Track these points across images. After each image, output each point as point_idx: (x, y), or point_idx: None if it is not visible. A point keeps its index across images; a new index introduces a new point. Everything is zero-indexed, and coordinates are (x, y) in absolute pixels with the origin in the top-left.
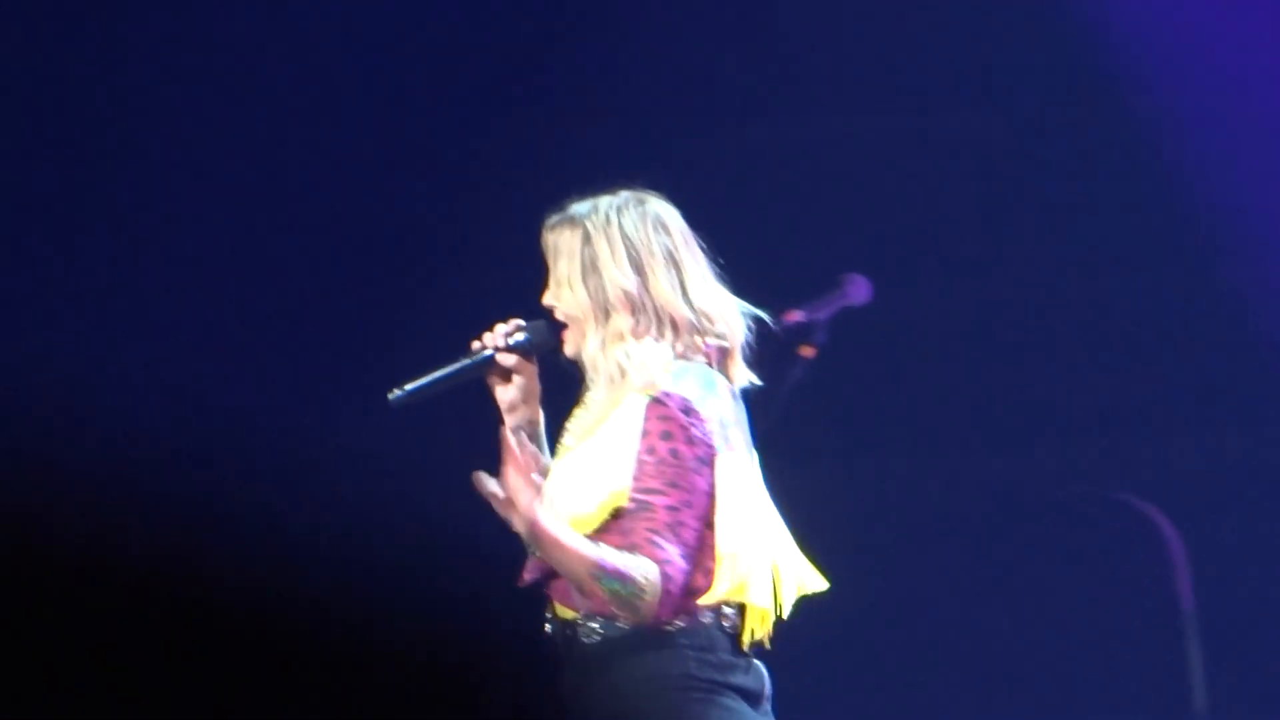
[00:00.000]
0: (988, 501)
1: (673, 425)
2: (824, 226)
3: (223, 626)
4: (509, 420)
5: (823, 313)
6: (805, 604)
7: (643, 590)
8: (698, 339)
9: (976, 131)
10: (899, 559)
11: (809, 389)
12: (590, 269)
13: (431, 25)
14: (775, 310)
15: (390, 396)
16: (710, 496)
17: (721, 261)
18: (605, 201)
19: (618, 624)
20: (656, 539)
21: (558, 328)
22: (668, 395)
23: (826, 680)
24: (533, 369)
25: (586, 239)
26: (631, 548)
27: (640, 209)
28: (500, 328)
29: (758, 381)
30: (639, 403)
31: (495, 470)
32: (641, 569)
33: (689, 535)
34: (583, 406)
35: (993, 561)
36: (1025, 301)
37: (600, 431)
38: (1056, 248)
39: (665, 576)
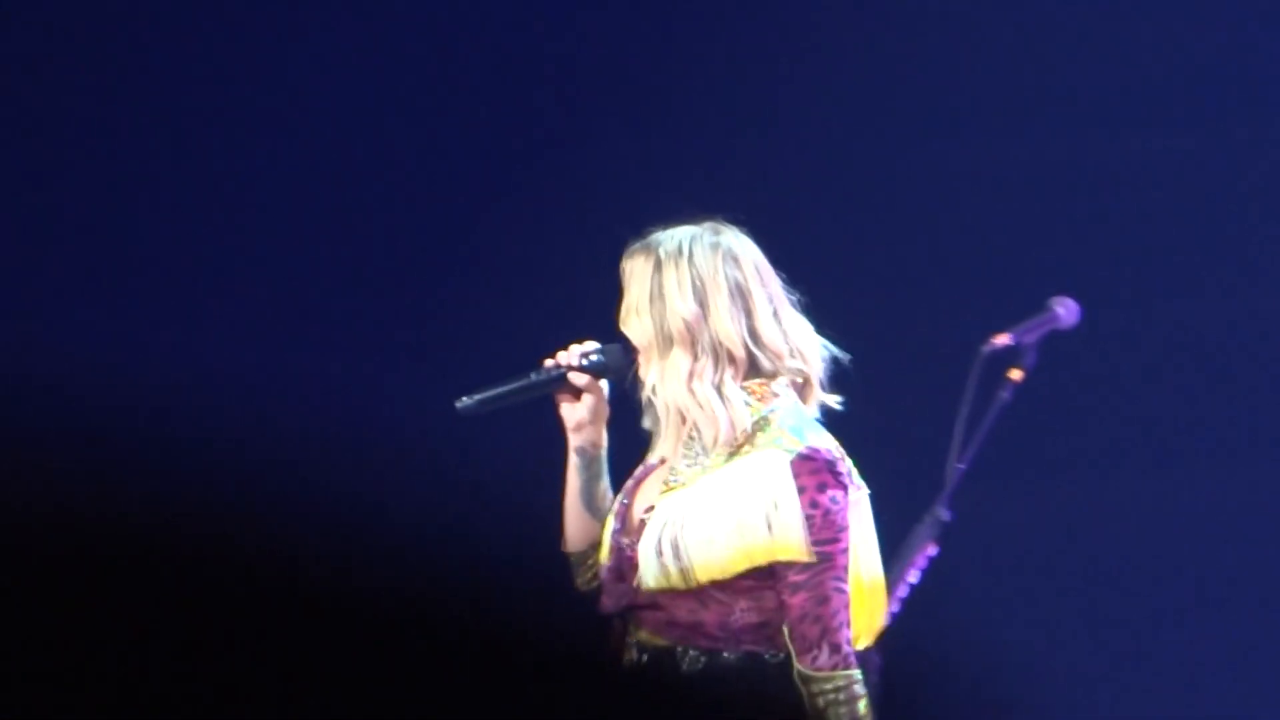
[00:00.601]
0: (1194, 520)
1: (827, 475)
2: (1033, 248)
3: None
4: (573, 440)
5: (1030, 336)
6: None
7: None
8: (770, 373)
9: (1181, 150)
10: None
11: (1015, 412)
12: (656, 297)
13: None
14: (983, 333)
15: (459, 404)
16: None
17: (805, 298)
18: (681, 231)
19: (724, 652)
20: (841, 586)
21: (632, 352)
22: (814, 451)
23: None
24: (603, 391)
25: (658, 267)
26: (822, 600)
27: (714, 239)
28: (575, 347)
29: (839, 406)
30: (780, 460)
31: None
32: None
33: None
34: (658, 440)
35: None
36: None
37: (726, 479)
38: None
39: (848, 623)
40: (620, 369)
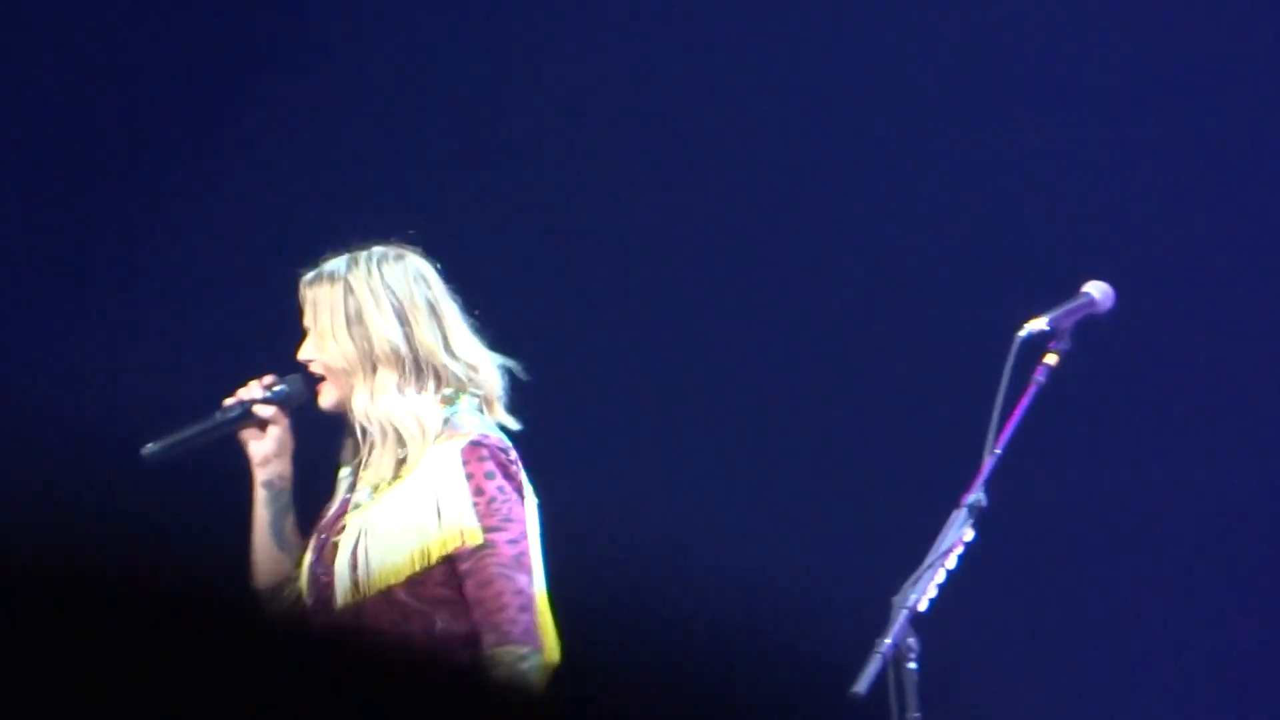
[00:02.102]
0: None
1: (493, 464)
2: (1068, 233)
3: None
4: (260, 475)
5: (1066, 321)
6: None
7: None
8: (462, 384)
9: (1210, 137)
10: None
11: (1051, 396)
12: (355, 320)
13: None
14: (1018, 318)
15: (145, 451)
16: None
17: (477, 313)
18: (364, 256)
19: None
20: (505, 572)
21: (313, 381)
22: (484, 437)
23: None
24: (286, 423)
25: (349, 290)
26: (484, 584)
27: (401, 262)
28: (254, 383)
29: (517, 426)
30: (451, 448)
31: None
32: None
33: (530, 563)
34: (363, 462)
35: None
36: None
37: (407, 482)
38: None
39: (523, 607)
40: (303, 398)
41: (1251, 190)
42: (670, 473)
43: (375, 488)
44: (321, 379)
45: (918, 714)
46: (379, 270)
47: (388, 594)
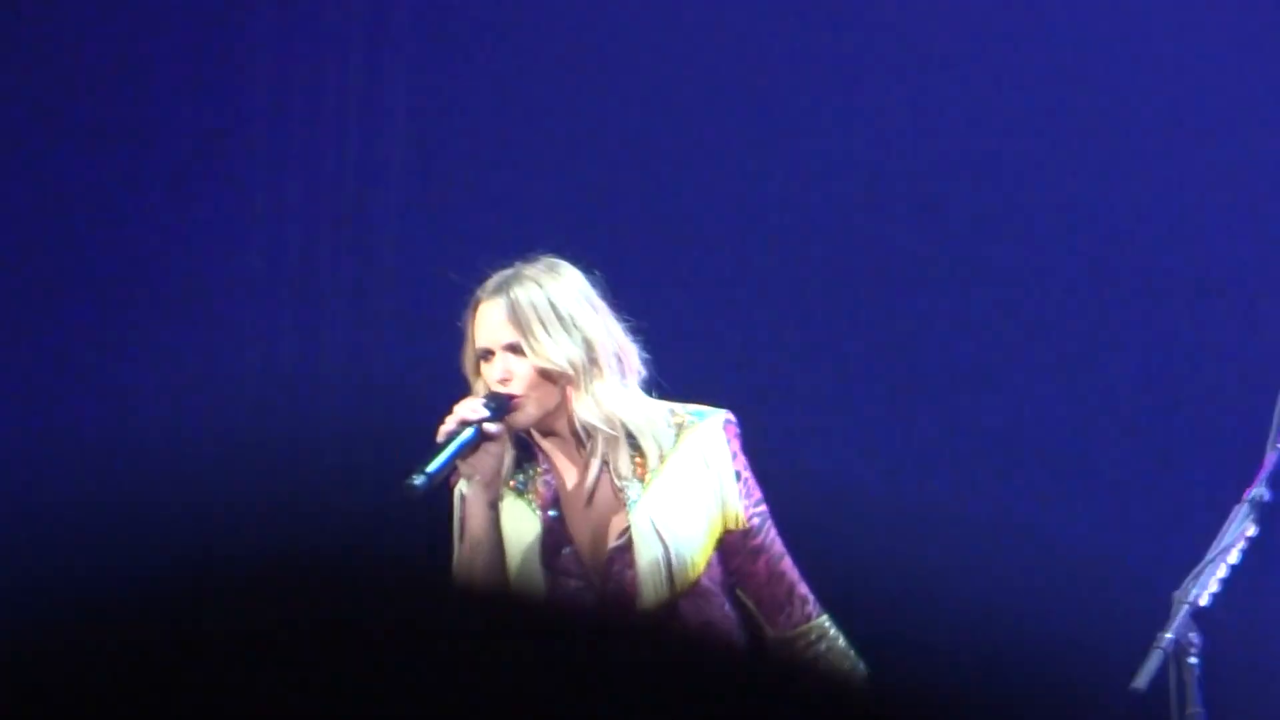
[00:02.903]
0: None
1: (739, 443)
2: None
3: None
4: (486, 496)
5: None
6: None
7: None
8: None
9: None
10: None
11: None
12: (565, 323)
13: None
14: None
15: (411, 485)
16: None
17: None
18: (531, 269)
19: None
20: (782, 548)
21: (505, 399)
22: (729, 413)
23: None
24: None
25: (547, 297)
26: (777, 560)
27: (569, 270)
28: (466, 401)
29: None
30: (713, 427)
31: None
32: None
33: None
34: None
35: None
36: None
37: (676, 471)
38: None
39: (801, 579)
40: (506, 413)
41: None
42: (925, 460)
43: (628, 492)
44: (516, 399)
45: (1200, 709)
46: (559, 274)
47: (694, 585)
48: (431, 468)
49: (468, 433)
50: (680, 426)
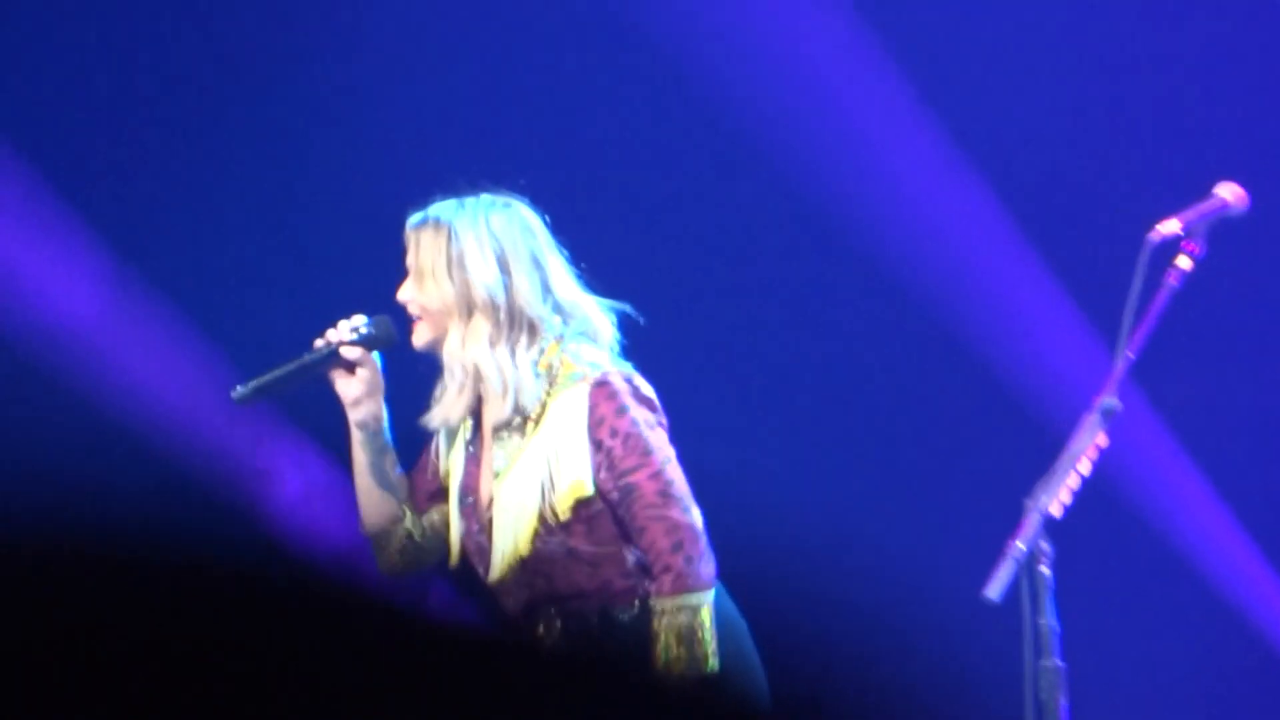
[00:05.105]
0: None
1: (624, 398)
2: (1199, 135)
3: None
4: (353, 416)
5: (1199, 223)
6: None
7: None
8: (562, 331)
9: None
10: None
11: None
12: (457, 264)
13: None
14: (1148, 222)
15: (234, 393)
16: None
17: (584, 265)
18: (471, 202)
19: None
20: (653, 513)
21: (400, 323)
22: (606, 374)
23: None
24: (375, 363)
25: (454, 236)
26: (639, 531)
27: (507, 211)
28: (343, 323)
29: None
30: (578, 394)
31: (347, 461)
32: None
33: (679, 491)
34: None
35: None
36: None
37: (537, 439)
38: None
39: (675, 547)
40: (390, 339)
41: None
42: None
43: (508, 451)
44: (417, 319)
45: (1052, 619)
46: (485, 218)
47: (571, 553)
48: (257, 382)
49: (318, 355)
50: (553, 385)
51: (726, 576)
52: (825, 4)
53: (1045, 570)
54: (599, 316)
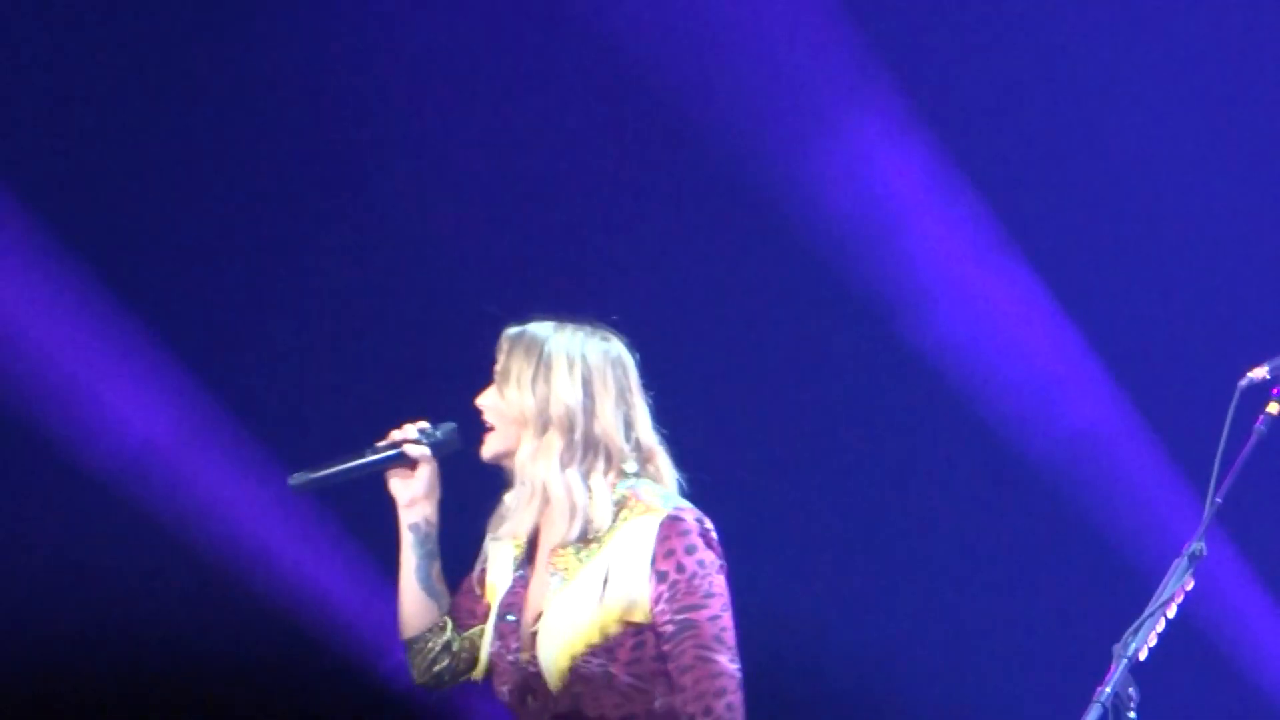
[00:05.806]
0: None
1: (694, 537)
2: None
3: None
4: (406, 517)
5: None
6: None
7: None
8: (638, 471)
9: None
10: None
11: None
12: (542, 377)
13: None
14: (1241, 367)
15: (292, 481)
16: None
17: (665, 431)
18: (571, 326)
19: None
20: (705, 654)
21: (445, 439)
22: (680, 509)
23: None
24: (435, 467)
25: (546, 350)
26: (685, 670)
27: (604, 343)
28: (409, 425)
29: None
30: (648, 523)
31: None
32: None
33: (731, 639)
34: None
35: None
36: None
37: (595, 561)
38: None
39: (720, 692)
40: (454, 445)
41: None
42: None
43: (566, 569)
44: (490, 429)
45: None
46: (580, 342)
47: (608, 678)
48: (316, 473)
49: (382, 452)
50: (620, 509)
51: None
52: (851, 62)
53: (1132, 716)
54: (668, 466)
